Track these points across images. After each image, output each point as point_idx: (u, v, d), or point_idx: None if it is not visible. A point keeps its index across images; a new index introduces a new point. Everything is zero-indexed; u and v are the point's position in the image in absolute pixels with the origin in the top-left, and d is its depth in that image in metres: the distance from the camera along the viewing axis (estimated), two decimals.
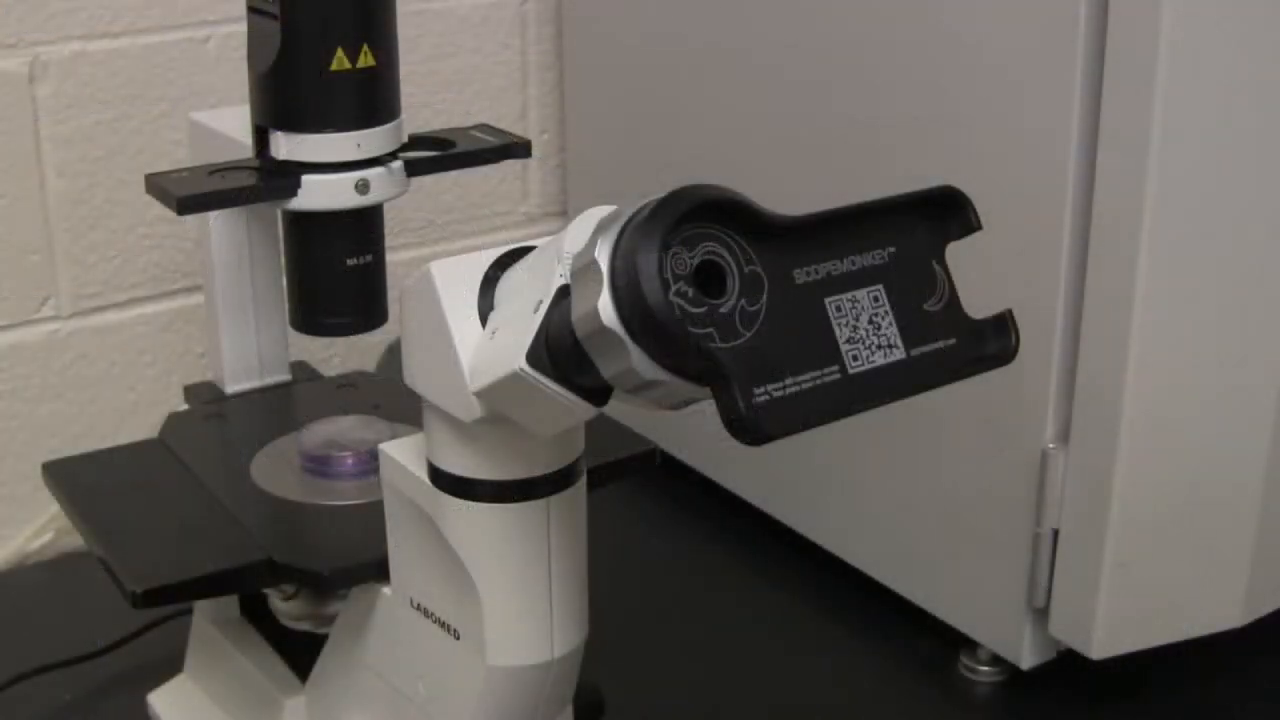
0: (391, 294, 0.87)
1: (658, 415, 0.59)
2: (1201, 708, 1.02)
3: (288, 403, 1.00)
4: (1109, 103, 0.87)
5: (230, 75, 1.20)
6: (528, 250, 0.63)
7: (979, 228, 0.60)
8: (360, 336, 0.95)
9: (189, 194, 0.81)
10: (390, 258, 0.89)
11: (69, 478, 0.89)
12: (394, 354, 1.25)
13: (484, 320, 0.62)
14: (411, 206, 1.32)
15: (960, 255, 0.58)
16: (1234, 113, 0.88)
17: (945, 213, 0.58)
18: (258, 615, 0.91)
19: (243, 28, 0.84)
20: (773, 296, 0.53)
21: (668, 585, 1.18)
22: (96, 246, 1.19)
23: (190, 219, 0.92)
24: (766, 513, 1.20)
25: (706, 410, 0.52)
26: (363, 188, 0.83)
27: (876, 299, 0.56)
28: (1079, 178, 0.90)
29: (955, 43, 0.94)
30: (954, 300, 0.58)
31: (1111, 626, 0.96)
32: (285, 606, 0.86)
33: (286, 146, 0.83)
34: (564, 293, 0.56)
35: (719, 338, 0.51)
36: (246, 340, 0.99)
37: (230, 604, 0.93)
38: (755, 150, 1.11)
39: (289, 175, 0.83)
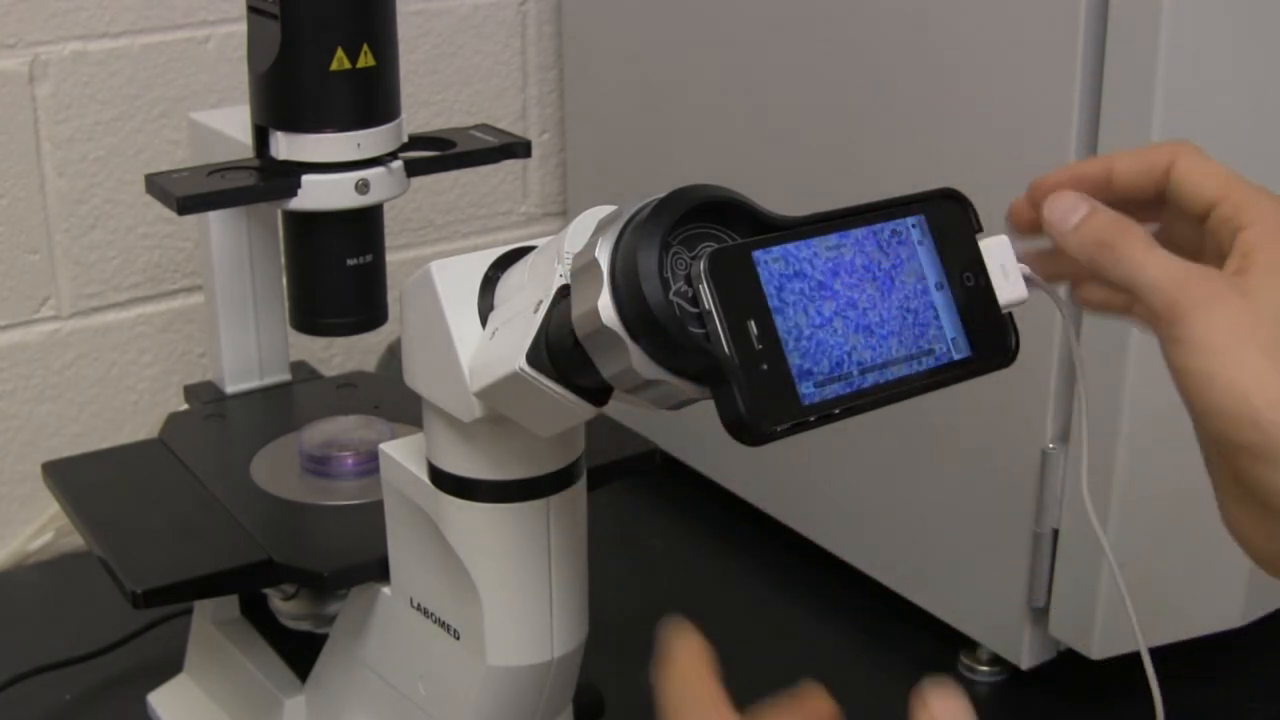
0: (391, 294, 0.86)
1: (658, 415, 0.59)
2: (1202, 708, 1.02)
3: (288, 403, 1.00)
4: (1109, 102, 0.87)
5: (230, 75, 1.20)
6: (528, 250, 0.63)
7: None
8: (360, 336, 0.95)
9: (189, 194, 0.81)
10: (390, 258, 0.89)
11: (69, 478, 0.89)
12: (394, 354, 1.25)
13: (484, 320, 0.62)
14: (411, 206, 1.32)
15: None
16: (1234, 113, 0.88)
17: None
18: (258, 615, 0.91)
19: (243, 28, 0.84)
20: None
21: (668, 585, 1.18)
22: (96, 246, 1.19)
23: (190, 219, 0.92)
24: (766, 513, 1.20)
25: (706, 410, 0.52)
26: (363, 188, 0.83)
27: None
28: None
29: (955, 43, 0.94)
30: None
31: (1111, 626, 0.96)
32: (285, 606, 0.86)
33: (286, 146, 0.83)
34: (564, 293, 0.56)
35: None
36: (246, 340, 0.99)
37: (230, 604, 0.93)
38: (755, 150, 1.11)
39: (289, 175, 0.83)
